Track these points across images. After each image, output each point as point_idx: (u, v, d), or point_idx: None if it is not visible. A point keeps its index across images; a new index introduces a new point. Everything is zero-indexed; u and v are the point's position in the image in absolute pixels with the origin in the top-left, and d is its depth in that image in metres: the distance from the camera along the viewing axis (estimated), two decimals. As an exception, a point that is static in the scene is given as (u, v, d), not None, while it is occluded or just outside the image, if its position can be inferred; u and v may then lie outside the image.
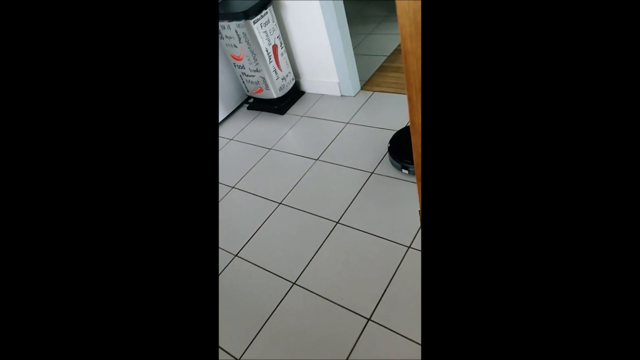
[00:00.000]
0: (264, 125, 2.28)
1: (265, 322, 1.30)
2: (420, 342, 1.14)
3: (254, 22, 1.96)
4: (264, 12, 2.00)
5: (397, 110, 2.06)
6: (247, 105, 2.48)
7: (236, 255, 1.57)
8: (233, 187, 1.90)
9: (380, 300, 1.27)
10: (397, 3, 0.43)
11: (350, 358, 1.15)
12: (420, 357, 1.10)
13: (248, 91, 2.37)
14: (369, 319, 1.22)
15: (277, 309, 1.33)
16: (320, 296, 1.33)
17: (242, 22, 1.96)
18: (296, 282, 1.40)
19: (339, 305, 1.29)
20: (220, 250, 1.61)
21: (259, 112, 2.40)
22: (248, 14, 1.93)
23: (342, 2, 2.01)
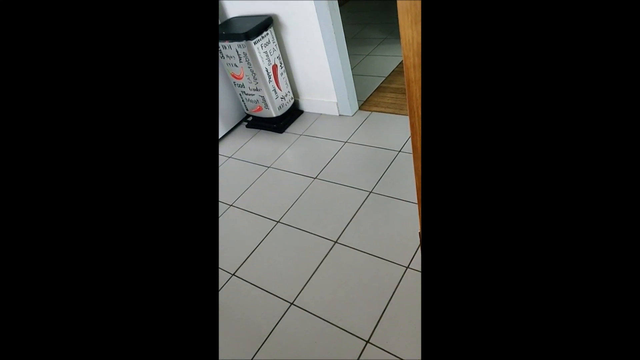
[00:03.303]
0: (263, 144, 2.29)
1: (263, 343, 1.28)
2: (419, 365, 1.12)
3: (255, 43, 2.00)
4: (264, 33, 2.04)
5: (395, 131, 2.08)
6: (245, 123, 2.50)
7: (233, 274, 1.56)
8: (231, 205, 1.90)
9: (379, 321, 1.25)
10: (402, 35, 0.45)
11: (348, 381, 1.13)
12: (419, 381, 1.09)
13: (247, 109, 2.39)
14: (367, 341, 1.21)
15: (274, 330, 1.32)
16: (318, 317, 1.32)
17: (243, 42, 1.99)
18: (294, 303, 1.39)
19: (337, 326, 1.27)
20: (217, 269, 1.59)
21: (257, 130, 2.42)
22: (249, 35, 1.96)
23: (341, 24, 2.06)
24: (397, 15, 0.45)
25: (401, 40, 0.45)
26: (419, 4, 0.43)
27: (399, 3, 0.43)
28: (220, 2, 2.27)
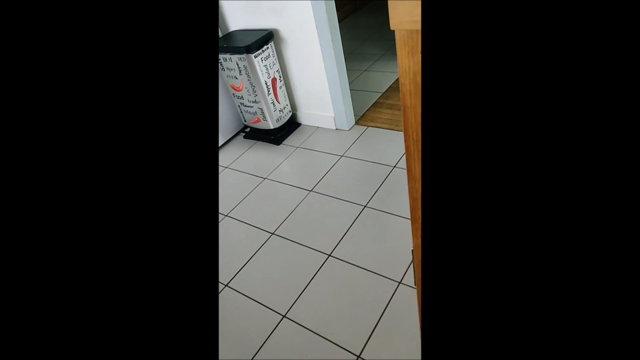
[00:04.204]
0: (260, 155, 2.31)
1: (254, 356, 1.28)
2: (409, 381, 1.13)
3: (255, 56, 2.03)
4: (265, 47, 2.07)
5: (390, 146, 2.11)
6: (243, 134, 2.52)
7: (226, 285, 1.56)
8: (226, 216, 1.91)
9: (370, 336, 1.26)
10: (399, 64, 0.47)
11: (338, 396, 1.13)
12: (409, 397, 1.09)
13: (245, 121, 2.42)
14: (358, 356, 1.22)
15: (266, 342, 1.32)
16: (310, 330, 1.32)
17: (243, 55, 2.03)
18: (286, 315, 1.39)
19: (329, 340, 1.28)
20: (210, 279, 1.60)
21: (255, 141, 2.44)
22: (250, 49, 2.00)
23: (340, 40, 2.10)
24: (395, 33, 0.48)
25: (398, 68, 0.47)
26: (415, 36, 0.45)
27: (397, 34, 0.46)
28: (222, 15, 2.31)
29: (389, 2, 0.44)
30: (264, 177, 2.11)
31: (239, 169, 2.23)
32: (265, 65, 2.10)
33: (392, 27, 0.45)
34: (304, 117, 2.47)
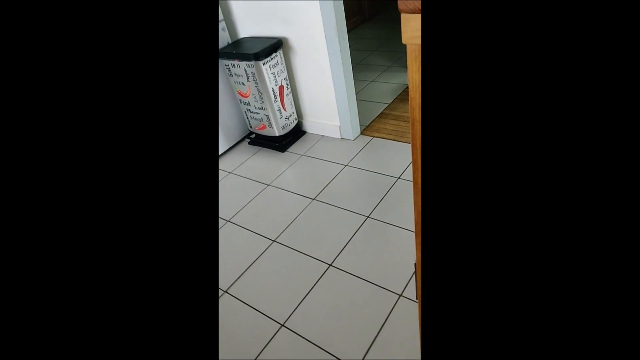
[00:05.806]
0: (264, 161, 2.31)
1: (250, 364, 1.27)
2: (407, 397, 1.11)
3: (263, 64, 2.05)
4: (273, 54, 2.09)
5: (395, 157, 2.11)
6: (248, 140, 2.53)
7: (225, 291, 1.55)
8: (228, 221, 1.91)
9: (369, 349, 1.25)
10: (409, 78, 0.47)
11: (335, 409, 1.11)
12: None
13: (251, 127, 2.43)
14: (356, 369, 1.20)
15: (263, 351, 1.30)
16: (308, 341, 1.31)
17: (252, 62, 2.04)
18: (284, 324, 1.38)
19: (327, 352, 1.26)
20: (210, 284, 1.59)
21: (259, 147, 2.45)
22: (258, 56, 2.01)
23: (348, 50, 2.11)
24: (401, 43, 0.48)
25: (408, 82, 0.47)
26: (427, 51, 0.45)
27: (408, 49, 0.46)
28: (232, 21, 2.34)
29: (402, 16, 0.44)
30: (268, 183, 2.11)
31: (242, 175, 2.23)
32: (273, 73, 2.12)
33: (403, 42, 0.45)
34: (309, 126, 2.48)
